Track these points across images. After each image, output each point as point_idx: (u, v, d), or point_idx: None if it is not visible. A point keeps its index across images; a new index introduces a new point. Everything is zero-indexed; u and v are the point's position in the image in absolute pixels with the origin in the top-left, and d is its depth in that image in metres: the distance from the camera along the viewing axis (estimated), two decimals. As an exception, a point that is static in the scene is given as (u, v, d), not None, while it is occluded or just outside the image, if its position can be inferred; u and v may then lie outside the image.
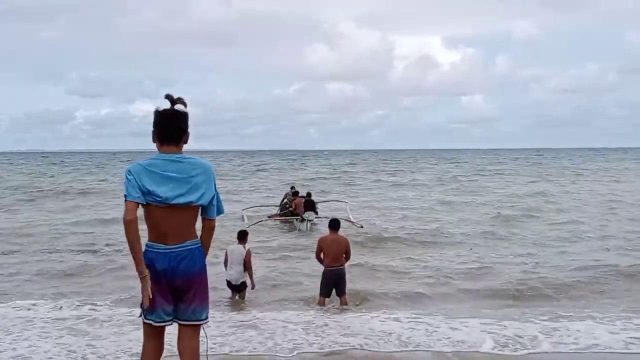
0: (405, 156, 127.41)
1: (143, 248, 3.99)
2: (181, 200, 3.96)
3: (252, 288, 9.42)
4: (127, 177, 3.94)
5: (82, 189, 35.30)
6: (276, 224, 19.58)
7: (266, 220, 19.51)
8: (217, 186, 4.19)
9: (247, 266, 9.26)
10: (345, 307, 8.91)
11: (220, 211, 4.19)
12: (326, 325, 7.80)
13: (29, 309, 8.75)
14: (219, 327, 7.45)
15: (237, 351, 6.73)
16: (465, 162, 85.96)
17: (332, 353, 6.74)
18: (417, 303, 9.49)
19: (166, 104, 4.08)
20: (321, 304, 9.09)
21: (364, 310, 8.78)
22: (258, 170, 63.85)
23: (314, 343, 7.05)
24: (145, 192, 3.91)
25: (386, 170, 61.16)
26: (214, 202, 4.12)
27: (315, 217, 18.62)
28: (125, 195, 3.90)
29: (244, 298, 9.44)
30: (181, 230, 4.00)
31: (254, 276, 9.44)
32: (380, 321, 8.01)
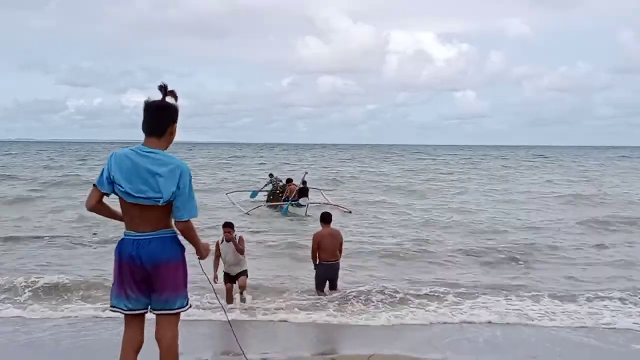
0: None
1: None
2: (140, 198, 3.87)
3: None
4: (106, 163, 3.95)
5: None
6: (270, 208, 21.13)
7: (264, 205, 21.25)
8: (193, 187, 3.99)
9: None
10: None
11: (189, 214, 3.93)
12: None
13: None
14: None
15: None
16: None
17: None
18: None
19: (158, 95, 3.96)
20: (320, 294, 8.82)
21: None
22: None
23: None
24: (113, 182, 3.92)
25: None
26: (178, 204, 3.89)
27: (310, 202, 20.17)
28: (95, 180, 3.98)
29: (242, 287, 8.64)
30: (151, 221, 3.92)
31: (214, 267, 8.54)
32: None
